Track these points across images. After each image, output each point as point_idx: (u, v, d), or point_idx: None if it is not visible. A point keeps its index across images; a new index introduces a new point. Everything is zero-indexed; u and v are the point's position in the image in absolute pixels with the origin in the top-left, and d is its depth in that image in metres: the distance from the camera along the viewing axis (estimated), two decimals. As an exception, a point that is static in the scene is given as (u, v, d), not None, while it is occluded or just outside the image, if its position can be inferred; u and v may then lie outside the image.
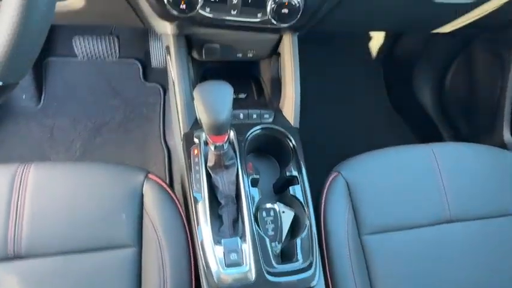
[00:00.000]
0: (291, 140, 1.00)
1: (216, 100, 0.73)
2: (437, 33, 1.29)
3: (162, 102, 1.75)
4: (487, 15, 1.09)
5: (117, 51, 1.74)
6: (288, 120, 1.05)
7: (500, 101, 1.37)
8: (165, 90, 1.77)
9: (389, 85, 1.99)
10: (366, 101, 1.94)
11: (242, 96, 1.16)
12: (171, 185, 1.52)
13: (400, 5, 1.04)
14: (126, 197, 0.90)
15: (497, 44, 1.41)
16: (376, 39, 2.03)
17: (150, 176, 0.94)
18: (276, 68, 1.12)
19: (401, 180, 1.04)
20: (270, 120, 1.03)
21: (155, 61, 1.68)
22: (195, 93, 0.76)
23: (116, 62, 1.76)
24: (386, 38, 2.01)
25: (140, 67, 1.78)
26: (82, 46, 1.70)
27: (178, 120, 1.03)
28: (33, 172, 0.90)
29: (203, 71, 1.26)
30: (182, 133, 1.01)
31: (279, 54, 1.09)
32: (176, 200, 0.96)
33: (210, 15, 0.85)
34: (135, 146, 1.64)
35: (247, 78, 1.26)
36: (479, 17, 1.11)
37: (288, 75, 1.05)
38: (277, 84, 1.12)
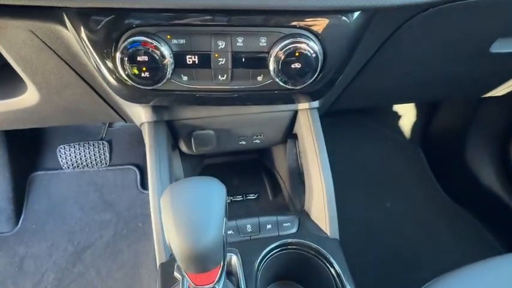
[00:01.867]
0: (331, 263, 0.69)
1: (194, 211, 0.44)
2: (488, 98, 1.07)
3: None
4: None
5: (108, 158, 1.62)
6: (320, 228, 0.76)
7: None
8: None
9: (436, 169, 1.65)
10: (412, 191, 1.60)
11: (252, 197, 0.94)
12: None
13: (449, 62, 0.80)
14: None
15: None
16: (407, 116, 1.75)
17: None
18: (295, 155, 0.86)
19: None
20: (294, 230, 0.75)
21: None
22: (162, 201, 0.46)
23: (109, 170, 1.62)
24: (419, 111, 1.73)
25: (138, 173, 1.62)
26: (67, 156, 1.59)
27: (154, 243, 0.69)
28: None
29: (200, 170, 0.97)
30: (158, 263, 0.66)
31: (296, 137, 0.84)
32: None
33: (190, 86, 0.59)
34: (122, 274, 1.38)
35: (258, 173, 1.01)
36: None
37: (313, 162, 0.78)
38: (297, 176, 0.85)
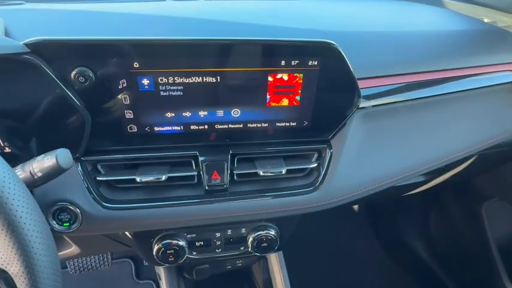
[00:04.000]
0: None
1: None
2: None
3: None
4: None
5: (110, 260, 1.62)
6: None
7: (489, 254, 1.43)
8: (158, 286, 1.52)
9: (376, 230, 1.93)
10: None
11: None
12: None
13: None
14: None
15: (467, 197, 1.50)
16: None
17: None
18: (266, 270, 1.10)
19: None
20: None
21: None
22: None
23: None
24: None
25: (133, 266, 1.65)
26: (75, 263, 1.59)
27: None
28: None
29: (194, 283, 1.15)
30: None
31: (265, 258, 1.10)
32: None
33: (198, 257, 0.85)
34: None
35: (242, 282, 1.20)
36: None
37: (278, 277, 1.04)
38: (269, 285, 1.08)
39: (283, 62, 0.62)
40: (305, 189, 0.72)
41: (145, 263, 1.61)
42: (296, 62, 0.62)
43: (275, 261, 1.02)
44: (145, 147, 0.68)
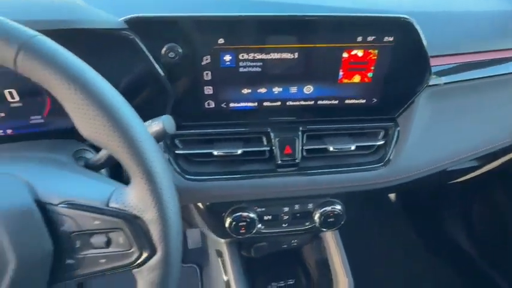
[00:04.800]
0: None
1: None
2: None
3: (200, 284, 1.58)
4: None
5: None
6: None
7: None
8: (202, 270, 1.61)
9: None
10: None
11: (291, 282, 1.09)
12: None
13: None
14: None
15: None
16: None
17: None
18: (319, 250, 1.09)
19: None
20: None
21: (192, 242, 1.62)
22: None
23: None
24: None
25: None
26: None
27: None
28: None
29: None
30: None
31: (320, 238, 1.08)
32: None
33: (265, 231, 0.87)
34: None
35: (293, 263, 1.17)
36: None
37: (336, 258, 1.02)
38: (323, 267, 1.07)
39: (359, 38, 0.63)
40: (373, 165, 0.74)
41: (190, 247, 1.65)
42: (372, 38, 0.63)
43: (331, 241, 1.02)
44: (220, 123, 0.71)
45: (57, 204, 0.38)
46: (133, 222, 0.38)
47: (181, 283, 1.39)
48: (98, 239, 0.39)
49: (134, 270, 0.40)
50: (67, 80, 0.33)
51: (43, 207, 0.38)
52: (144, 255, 0.39)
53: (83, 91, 0.34)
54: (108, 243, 0.39)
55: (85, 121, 0.35)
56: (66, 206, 0.38)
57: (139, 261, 0.39)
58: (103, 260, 0.39)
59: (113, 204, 0.39)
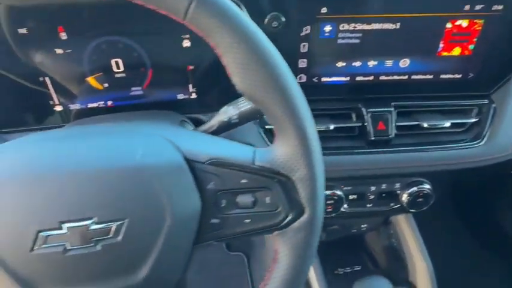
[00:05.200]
0: None
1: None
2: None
3: (248, 272, 1.54)
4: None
5: None
6: None
7: None
8: (249, 258, 1.56)
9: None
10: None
11: (357, 268, 1.04)
12: None
13: None
14: None
15: None
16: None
17: None
18: (387, 236, 1.04)
19: None
20: None
21: None
22: None
23: None
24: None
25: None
26: None
27: None
28: None
29: None
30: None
31: (388, 223, 1.03)
32: None
33: (348, 210, 0.83)
34: None
35: (358, 249, 1.13)
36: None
37: (412, 243, 0.96)
38: (392, 252, 1.02)
39: (467, 7, 0.60)
40: (467, 143, 0.71)
41: None
42: (481, 6, 0.60)
43: (405, 225, 1.00)
44: (310, 99, 0.69)
45: (204, 162, 0.37)
46: (281, 181, 0.37)
47: (229, 272, 1.39)
48: (244, 199, 0.38)
49: (276, 233, 0.39)
50: (234, 33, 0.33)
51: (191, 165, 0.37)
52: (290, 215, 0.38)
53: (247, 45, 0.33)
54: (254, 203, 0.38)
55: (244, 75, 0.34)
56: (213, 163, 0.37)
57: (284, 222, 0.38)
58: (248, 220, 0.39)
59: (258, 163, 0.38)
